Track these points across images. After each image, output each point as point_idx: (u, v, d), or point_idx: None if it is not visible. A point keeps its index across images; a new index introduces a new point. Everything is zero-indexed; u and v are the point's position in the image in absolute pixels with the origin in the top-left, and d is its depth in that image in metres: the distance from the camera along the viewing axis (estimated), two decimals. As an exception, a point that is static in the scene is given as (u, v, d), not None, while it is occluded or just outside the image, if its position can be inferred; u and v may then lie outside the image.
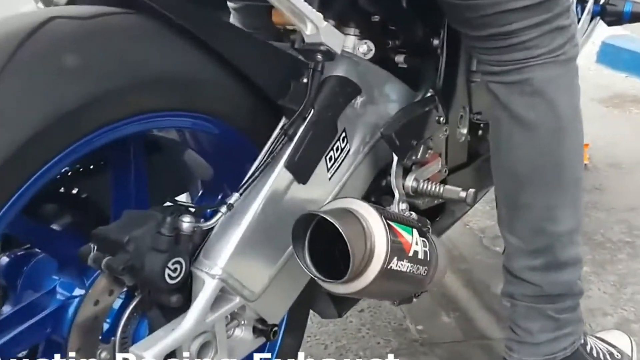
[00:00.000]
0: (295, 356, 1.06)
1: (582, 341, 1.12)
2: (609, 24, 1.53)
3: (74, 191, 0.93)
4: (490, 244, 1.76)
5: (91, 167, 0.93)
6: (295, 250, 0.73)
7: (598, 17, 1.51)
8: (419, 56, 1.09)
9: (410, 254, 0.76)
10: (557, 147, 0.99)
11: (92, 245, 0.70)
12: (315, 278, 0.74)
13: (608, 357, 1.15)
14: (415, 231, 0.79)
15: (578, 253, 1.06)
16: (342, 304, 1.06)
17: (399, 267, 0.74)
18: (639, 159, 2.23)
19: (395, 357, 1.31)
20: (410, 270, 0.76)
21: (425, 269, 0.80)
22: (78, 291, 0.75)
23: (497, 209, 1.10)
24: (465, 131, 1.19)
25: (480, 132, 1.24)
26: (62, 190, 0.91)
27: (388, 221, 0.74)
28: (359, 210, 0.74)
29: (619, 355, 1.17)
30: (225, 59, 0.77)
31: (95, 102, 0.63)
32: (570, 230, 1.03)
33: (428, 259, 0.80)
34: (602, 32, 3.29)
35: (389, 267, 0.72)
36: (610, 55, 3.43)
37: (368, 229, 0.72)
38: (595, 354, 1.13)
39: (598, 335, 1.22)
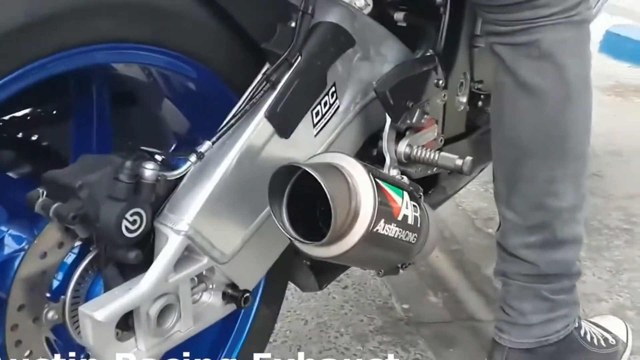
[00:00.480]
0: (271, 329, 0.99)
1: (577, 325, 1.06)
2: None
3: (34, 138, 0.85)
4: (483, 226, 1.70)
5: (54, 112, 0.85)
6: (272, 206, 0.65)
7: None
8: (420, 15, 1.01)
9: (399, 217, 0.69)
10: (564, 116, 0.92)
11: (41, 191, 0.62)
12: (292, 239, 0.66)
13: (602, 342, 1.09)
14: (406, 194, 0.71)
15: (578, 232, 1.00)
16: (323, 275, 0.99)
17: (386, 231, 0.66)
18: (639, 148, 2.17)
19: (379, 335, 1.27)
20: (398, 235, 0.69)
21: (415, 236, 0.72)
22: (26, 244, 0.67)
23: (494, 183, 1.03)
24: (464, 100, 1.11)
25: (479, 102, 1.17)
26: (20, 135, 0.83)
27: (377, 180, 0.66)
28: (345, 166, 0.66)
29: (614, 341, 1.12)
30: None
31: (47, 22, 0.55)
32: (571, 207, 0.96)
33: (418, 225, 0.73)
34: (606, 21, 3.23)
35: (374, 230, 0.65)
36: (613, 45, 3.38)
37: (353, 186, 0.64)
38: (589, 339, 1.07)
39: (593, 320, 1.17)
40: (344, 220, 0.63)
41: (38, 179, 0.69)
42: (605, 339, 1.11)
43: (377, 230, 0.65)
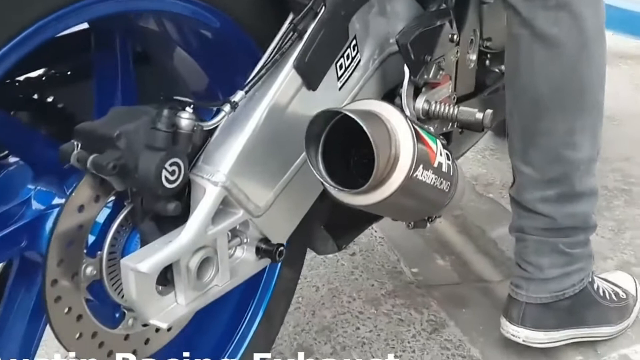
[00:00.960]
0: (292, 292, 0.99)
1: (590, 279, 1.07)
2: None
3: (50, 99, 0.82)
4: (484, 191, 1.71)
5: (68, 72, 0.83)
6: (308, 153, 0.64)
7: None
8: (430, -31, 1.00)
9: (435, 164, 0.68)
10: (581, 65, 0.92)
11: (75, 143, 0.60)
12: (329, 186, 0.65)
13: (614, 296, 1.11)
14: (438, 142, 0.71)
15: (594, 184, 1.01)
16: (342, 236, 0.99)
17: (424, 177, 0.66)
18: (630, 112, 2.21)
19: (391, 298, 1.27)
20: (434, 182, 0.68)
21: (448, 184, 0.72)
22: (57, 200, 0.65)
23: (509, 139, 1.03)
24: (474, 57, 1.11)
25: (487, 62, 1.17)
26: (35, 97, 0.81)
27: (414, 125, 0.66)
28: (382, 112, 0.65)
29: (625, 295, 1.14)
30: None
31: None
32: (588, 158, 0.97)
33: (451, 173, 0.73)
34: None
35: (414, 175, 0.64)
36: (596, 14, 3.40)
37: (392, 131, 0.64)
38: (602, 293, 1.09)
39: (602, 276, 1.18)
40: (385, 165, 0.63)
41: (59, 138, 0.67)
42: (616, 293, 1.13)
43: (416, 175, 0.65)
